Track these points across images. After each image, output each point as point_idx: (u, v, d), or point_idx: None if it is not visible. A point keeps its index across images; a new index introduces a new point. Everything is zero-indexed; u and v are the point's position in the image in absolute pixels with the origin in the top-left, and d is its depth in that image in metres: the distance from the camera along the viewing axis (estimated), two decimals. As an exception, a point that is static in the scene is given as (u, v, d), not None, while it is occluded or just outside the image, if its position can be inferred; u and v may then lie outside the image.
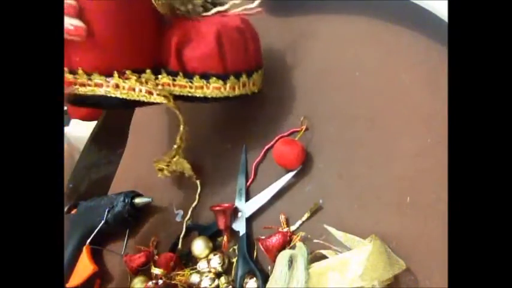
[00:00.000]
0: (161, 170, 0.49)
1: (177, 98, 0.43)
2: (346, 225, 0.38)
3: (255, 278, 0.41)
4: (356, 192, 0.40)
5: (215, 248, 0.46)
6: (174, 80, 0.43)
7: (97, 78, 0.41)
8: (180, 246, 0.47)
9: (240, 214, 0.45)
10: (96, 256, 0.51)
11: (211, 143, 0.52)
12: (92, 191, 0.62)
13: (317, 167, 0.43)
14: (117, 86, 0.41)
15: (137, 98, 0.42)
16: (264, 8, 0.46)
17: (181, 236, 0.48)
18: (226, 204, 0.45)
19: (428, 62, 0.41)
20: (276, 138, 0.47)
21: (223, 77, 0.43)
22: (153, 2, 0.41)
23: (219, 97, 0.44)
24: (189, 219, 0.49)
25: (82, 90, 0.42)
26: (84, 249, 0.50)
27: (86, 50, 0.40)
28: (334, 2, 0.51)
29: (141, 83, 0.41)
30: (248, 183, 0.47)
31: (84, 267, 0.49)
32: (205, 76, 0.43)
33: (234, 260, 0.44)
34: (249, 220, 0.45)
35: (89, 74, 0.41)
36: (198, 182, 0.50)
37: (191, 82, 0.43)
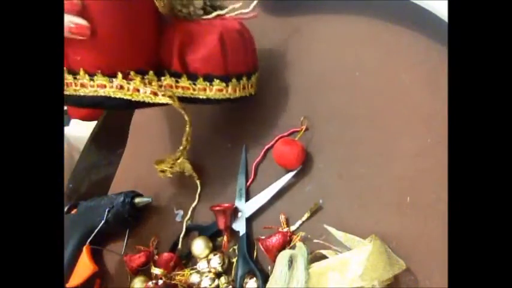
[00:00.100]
0: (163, 171, 0.49)
1: (178, 99, 0.43)
2: (346, 225, 0.38)
3: (255, 278, 0.41)
4: (356, 192, 0.40)
5: (215, 248, 0.46)
6: (177, 81, 0.42)
7: (100, 79, 0.40)
8: (180, 246, 0.47)
9: (240, 214, 0.45)
10: (96, 256, 0.51)
11: (211, 143, 0.52)
12: (92, 191, 0.62)
13: (317, 167, 0.43)
14: (121, 87, 0.41)
15: (142, 99, 0.41)
16: (264, 8, 0.46)
17: (181, 236, 0.48)
18: (226, 204, 0.45)
19: (428, 62, 0.41)
20: (276, 138, 0.47)
21: (226, 79, 0.43)
22: (156, 2, 0.41)
23: (221, 99, 0.44)
24: (189, 219, 0.49)
25: (83, 91, 0.41)
26: (84, 249, 0.50)
27: (88, 49, 0.39)
28: (334, 2, 0.51)
29: (145, 84, 0.41)
30: (248, 183, 0.47)
31: (84, 267, 0.49)
32: (208, 78, 0.42)
33: (234, 260, 0.44)
34: (249, 220, 0.45)
35: (91, 75, 0.40)
36: (198, 182, 0.50)
37: (194, 84, 0.42)
